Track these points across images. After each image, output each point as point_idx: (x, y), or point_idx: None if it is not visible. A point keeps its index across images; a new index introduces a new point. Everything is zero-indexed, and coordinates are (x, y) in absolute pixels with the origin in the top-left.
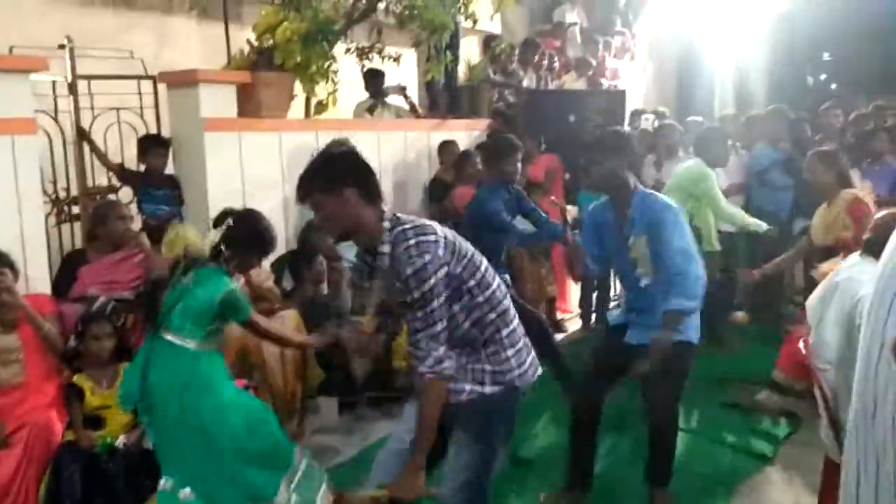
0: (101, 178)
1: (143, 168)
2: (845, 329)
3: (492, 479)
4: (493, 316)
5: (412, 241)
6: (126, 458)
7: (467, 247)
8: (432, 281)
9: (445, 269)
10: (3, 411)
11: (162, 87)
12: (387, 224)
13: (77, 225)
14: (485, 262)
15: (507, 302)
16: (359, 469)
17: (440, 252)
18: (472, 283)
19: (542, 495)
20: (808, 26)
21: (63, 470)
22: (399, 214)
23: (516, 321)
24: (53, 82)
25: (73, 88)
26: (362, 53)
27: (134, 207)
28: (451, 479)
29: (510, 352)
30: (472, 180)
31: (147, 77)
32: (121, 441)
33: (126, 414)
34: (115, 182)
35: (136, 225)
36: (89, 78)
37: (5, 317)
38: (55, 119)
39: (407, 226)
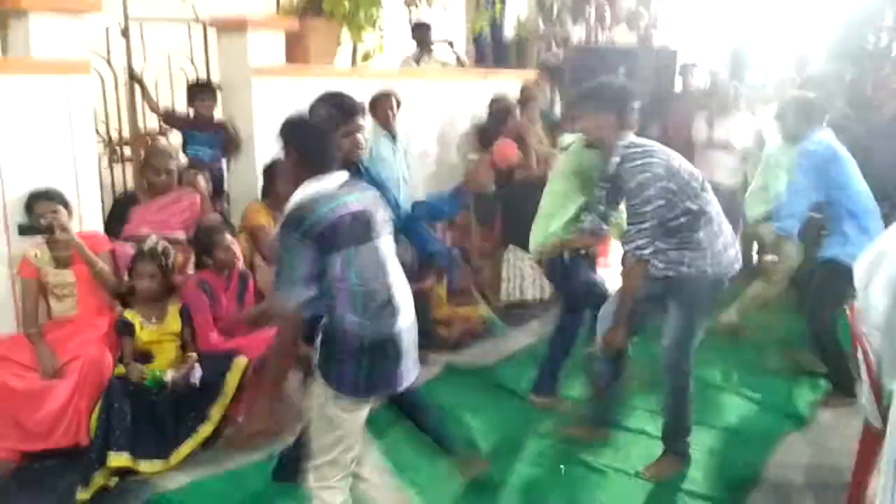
0: (153, 121)
1: (191, 112)
2: (893, 294)
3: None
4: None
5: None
6: (174, 393)
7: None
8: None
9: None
10: (56, 343)
11: (212, 32)
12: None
13: (129, 166)
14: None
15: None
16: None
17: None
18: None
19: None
20: None
21: (113, 401)
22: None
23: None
24: (107, 27)
25: (125, 32)
26: (410, 2)
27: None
28: (669, 337)
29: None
30: (513, 134)
31: (198, 21)
32: (169, 375)
33: (174, 350)
34: (165, 125)
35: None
36: (141, 21)
37: (60, 253)
38: (108, 62)
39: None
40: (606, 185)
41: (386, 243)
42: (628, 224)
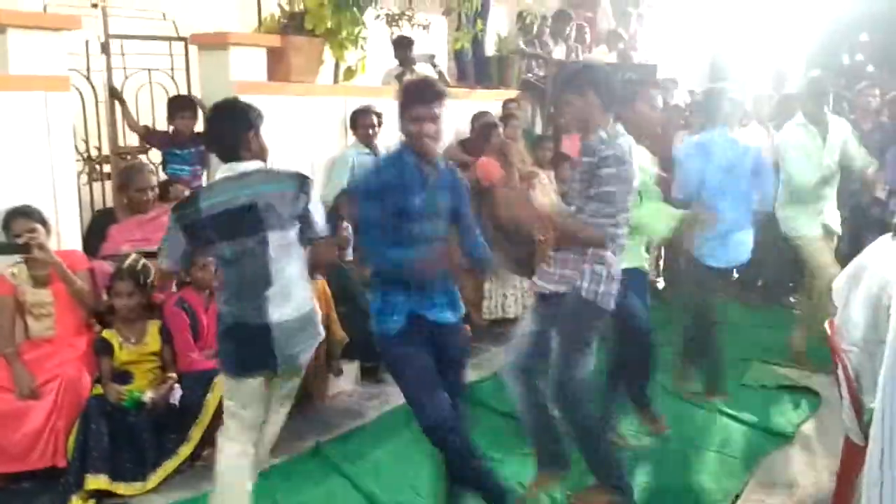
0: (132, 137)
1: (171, 129)
2: (872, 311)
3: None
4: None
5: None
6: (152, 413)
7: None
8: None
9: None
10: (34, 363)
11: (193, 48)
12: None
13: (108, 183)
14: None
15: None
16: (379, 431)
17: None
18: None
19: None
20: (846, 5)
21: (91, 422)
22: None
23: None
24: (87, 42)
25: (105, 48)
26: (392, 20)
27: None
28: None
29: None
30: (496, 151)
31: (179, 38)
32: (148, 396)
33: (153, 370)
34: (145, 143)
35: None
36: (122, 38)
37: (37, 272)
38: (88, 78)
39: None
40: (585, 172)
41: (278, 237)
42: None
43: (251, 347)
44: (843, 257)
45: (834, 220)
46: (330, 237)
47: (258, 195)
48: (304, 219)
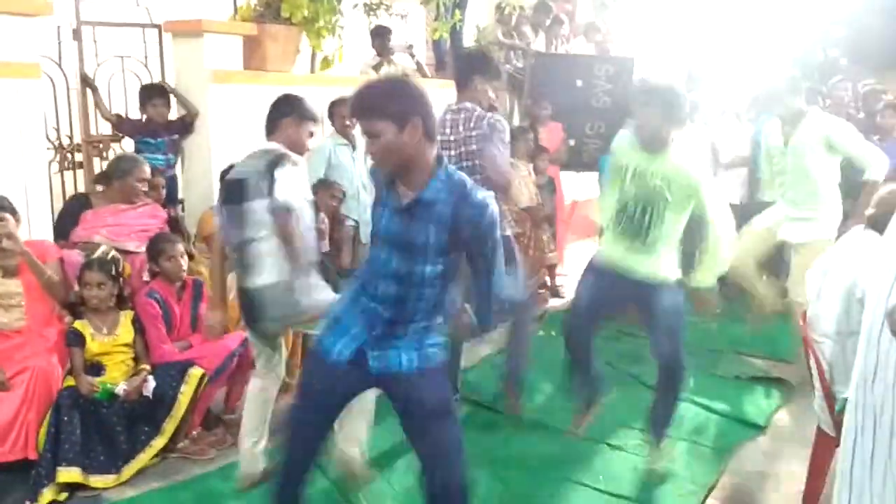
0: (105, 126)
1: (143, 117)
2: (845, 302)
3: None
4: None
5: None
6: (125, 405)
7: None
8: None
9: None
10: (4, 355)
11: (167, 36)
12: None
13: (80, 172)
14: None
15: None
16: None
17: None
18: None
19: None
20: (822, 1)
21: (63, 414)
22: None
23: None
24: (58, 28)
25: (77, 34)
26: (370, 9)
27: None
28: None
29: None
30: None
31: (152, 25)
32: (121, 388)
33: (125, 361)
34: (116, 131)
35: None
36: (94, 24)
37: (7, 263)
38: (59, 65)
39: None
40: None
41: (255, 206)
42: None
43: (247, 312)
44: None
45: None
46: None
47: (245, 167)
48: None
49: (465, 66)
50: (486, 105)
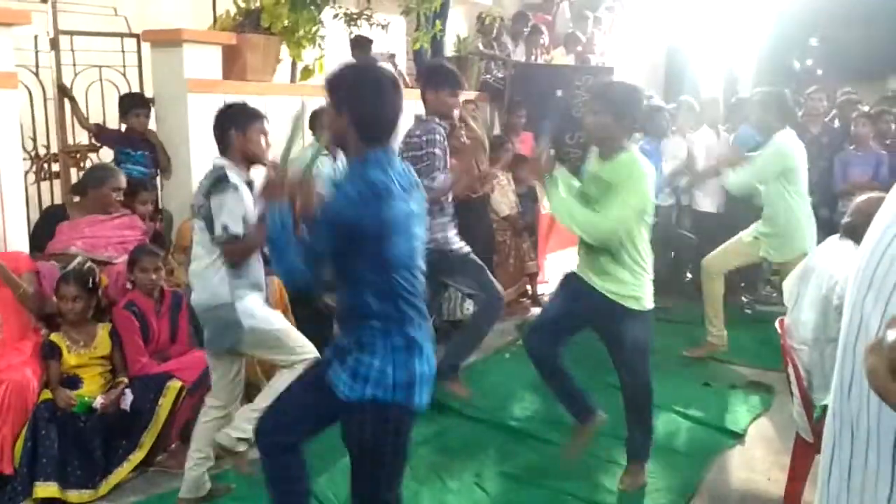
0: (82, 136)
1: (123, 127)
2: (822, 310)
3: None
4: None
5: None
6: (103, 419)
7: None
8: None
9: None
10: None
11: (145, 45)
12: None
13: (57, 183)
14: None
15: None
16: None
17: None
18: None
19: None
20: (797, 11)
21: (40, 428)
22: None
23: None
24: (35, 37)
25: (55, 44)
26: (350, 19)
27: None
28: None
29: None
30: (457, 152)
31: (131, 35)
32: (98, 401)
33: (103, 374)
34: (95, 141)
35: None
36: (72, 34)
37: None
38: (36, 75)
39: None
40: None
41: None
42: None
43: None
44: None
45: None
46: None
47: None
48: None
49: (422, 81)
50: (445, 114)
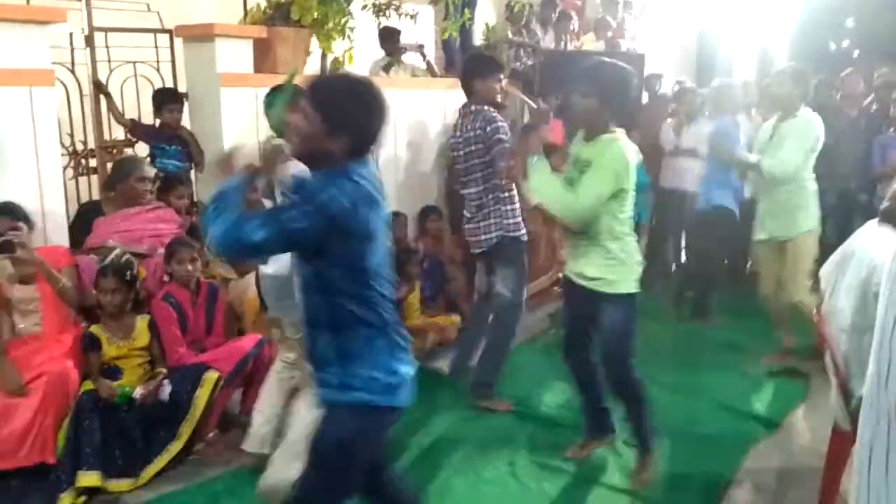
0: (118, 131)
1: (157, 123)
2: (860, 296)
3: None
4: None
5: None
6: (142, 409)
7: None
8: None
9: None
10: (21, 360)
11: (178, 41)
12: None
13: (94, 178)
14: None
15: None
16: None
17: None
18: None
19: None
20: None
21: (83, 419)
22: None
23: None
24: (71, 34)
25: (90, 41)
26: (379, 10)
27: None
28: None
29: None
30: None
31: (164, 31)
32: (138, 392)
33: (142, 365)
34: (130, 136)
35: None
36: (106, 30)
37: (23, 269)
38: (72, 71)
39: None
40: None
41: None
42: None
43: None
44: (831, 243)
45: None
46: None
47: None
48: None
49: (464, 72)
50: (494, 101)
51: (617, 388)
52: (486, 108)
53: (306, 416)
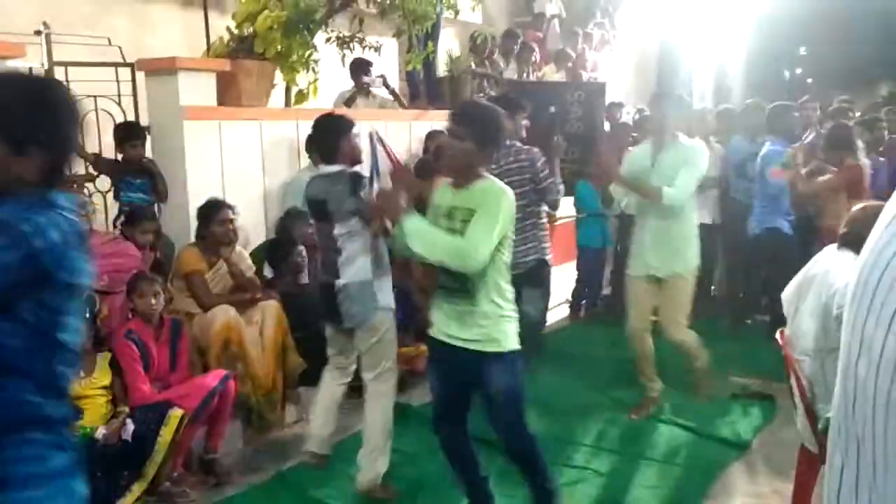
0: (79, 166)
1: (119, 156)
2: (822, 320)
3: None
4: None
5: None
6: (105, 450)
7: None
8: None
9: None
10: None
11: (140, 74)
12: None
13: None
14: None
15: None
16: (336, 459)
17: None
18: None
19: None
20: (786, 22)
21: None
22: None
23: None
24: (30, 69)
25: (49, 75)
26: (343, 43)
27: (111, 196)
28: None
29: None
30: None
31: (125, 64)
32: (100, 432)
33: (104, 404)
34: (93, 170)
35: (114, 213)
36: (66, 65)
37: None
38: None
39: None
40: None
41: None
42: None
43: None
44: (794, 267)
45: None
46: None
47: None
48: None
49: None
50: (521, 138)
51: (514, 454)
52: (517, 143)
53: (376, 418)
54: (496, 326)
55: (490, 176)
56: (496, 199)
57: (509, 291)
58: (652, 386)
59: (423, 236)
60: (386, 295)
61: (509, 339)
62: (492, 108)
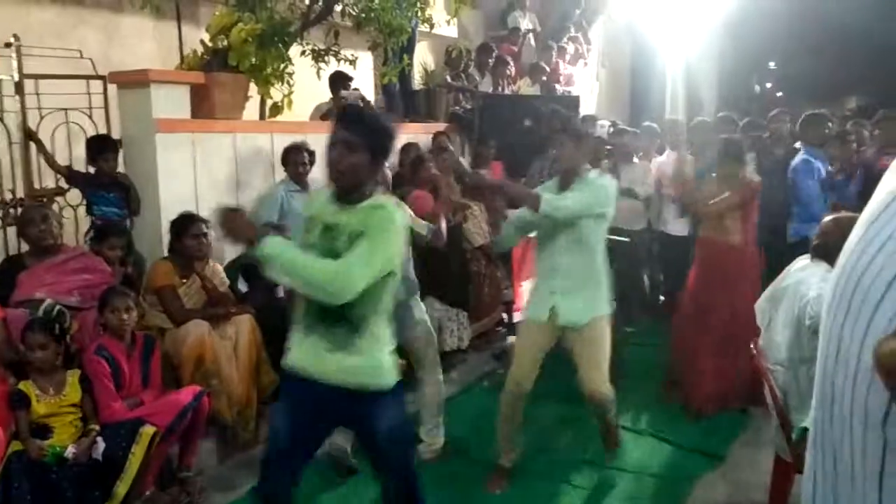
0: (49, 180)
1: (91, 169)
2: (795, 330)
3: None
4: None
5: None
6: (75, 469)
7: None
8: None
9: None
10: None
11: (112, 87)
12: None
13: None
14: None
15: None
16: (323, 470)
17: None
18: None
19: None
20: (756, 36)
21: (13, 481)
22: None
23: None
24: (0, 81)
25: (19, 88)
26: (318, 56)
27: (82, 210)
28: None
29: None
30: (427, 184)
31: (97, 77)
32: (70, 451)
33: (74, 422)
34: (63, 184)
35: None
36: (37, 77)
37: None
38: (1, 120)
39: None
40: None
41: None
42: None
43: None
44: (765, 279)
45: None
46: None
47: None
48: None
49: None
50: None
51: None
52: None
53: (430, 390)
54: (381, 357)
55: (381, 196)
56: (390, 223)
57: (386, 322)
58: (508, 454)
59: (285, 260)
60: None
61: (392, 370)
62: (389, 120)
